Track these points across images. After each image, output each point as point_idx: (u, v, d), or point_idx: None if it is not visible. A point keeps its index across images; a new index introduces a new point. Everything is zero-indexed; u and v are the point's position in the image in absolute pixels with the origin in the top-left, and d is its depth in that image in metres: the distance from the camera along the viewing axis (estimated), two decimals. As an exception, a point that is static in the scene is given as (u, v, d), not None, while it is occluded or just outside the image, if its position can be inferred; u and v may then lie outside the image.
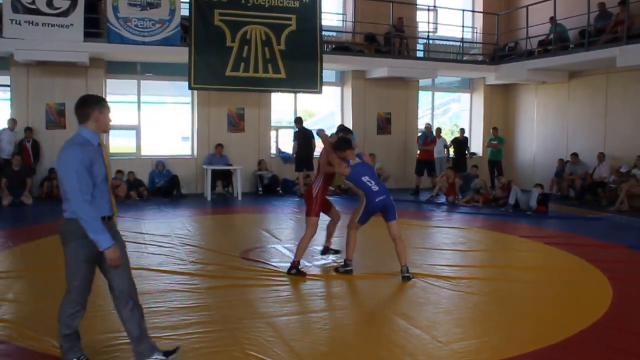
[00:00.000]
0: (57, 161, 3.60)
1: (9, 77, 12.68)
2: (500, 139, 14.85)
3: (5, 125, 12.41)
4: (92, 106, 3.64)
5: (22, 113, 12.64)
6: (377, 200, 6.20)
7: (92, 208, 3.49)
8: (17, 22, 11.45)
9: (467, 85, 17.43)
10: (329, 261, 7.06)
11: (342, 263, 6.57)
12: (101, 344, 4.28)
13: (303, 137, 13.40)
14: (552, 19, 13.80)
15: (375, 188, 6.21)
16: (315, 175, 6.79)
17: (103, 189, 3.63)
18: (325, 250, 7.17)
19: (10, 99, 12.72)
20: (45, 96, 12.82)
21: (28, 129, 12.40)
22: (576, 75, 14.48)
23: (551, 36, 13.93)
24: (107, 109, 3.73)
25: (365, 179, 6.24)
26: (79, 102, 3.69)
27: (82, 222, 3.47)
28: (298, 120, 13.74)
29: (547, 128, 15.52)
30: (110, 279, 3.70)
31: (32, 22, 11.54)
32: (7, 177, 11.60)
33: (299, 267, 6.48)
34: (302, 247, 6.48)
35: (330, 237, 7.13)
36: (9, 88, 12.74)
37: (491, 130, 15.08)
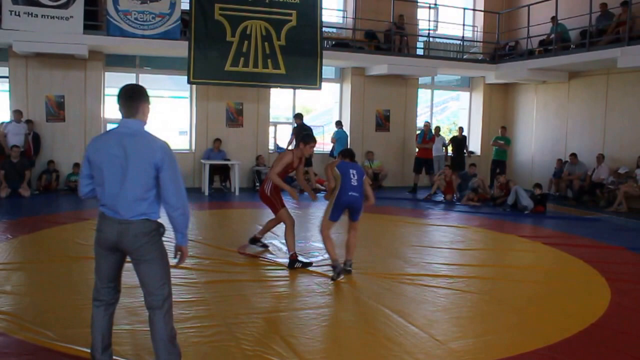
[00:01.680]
0: (156, 153, 3.32)
1: (7, 69, 12.61)
2: (507, 139, 14.80)
3: (10, 118, 12.29)
4: (146, 99, 3.46)
5: (22, 105, 12.56)
6: (349, 193, 6.17)
7: None
8: (17, 13, 11.38)
9: (467, 84, 17.41)
10: (325, 257, 7.05)
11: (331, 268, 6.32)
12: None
13: (300, 133, 13.31)
14: (554, 19, 13.78)
15: (354, 183, 6.23)
16: (266, 178, 7.02)
17: None
18: (254, 241, 7.45)
19: (9, 91, 12.65)
20: (44, 88, 12.76)
21: (29, 122, 12.34)
22: (576, 76, 14.48)
23: (552, 36, 13.90)
24: None
25: (352, 171, 6.28)
26: (131, 93, 3.44)
27: (184, 217, 3.45)
28: (298, 116, 13.70)
29: (547, 128, 15.51)
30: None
31: (32, 13, 11.47)
32: (5, 169, 11.55)
33: (299, 257, 6.62)
34: (290, 239, 6.66)
35: (265, 232, 7.43)
36: (7, 79, 12.66)
37: (500, 129, 15.06)
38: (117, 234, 3.37)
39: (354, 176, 6.24)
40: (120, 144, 3.34)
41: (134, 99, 3.41)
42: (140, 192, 3.33)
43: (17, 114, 12.21)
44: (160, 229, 3.48)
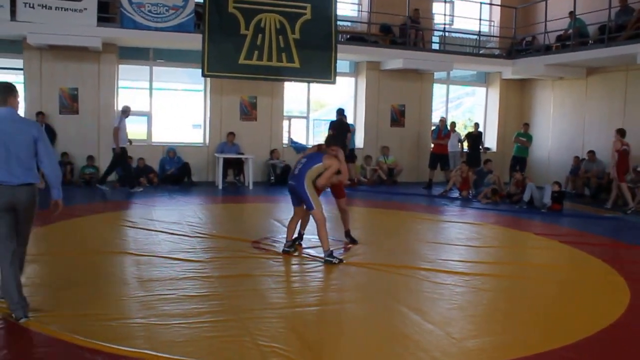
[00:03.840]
0: (33, 130, 4.38)
1: (22, 61, 12.65)
2: (529, 136, 14.62)
3: (121, 113, 12.09)
4: (13, 93, 4.45)
5: (35, 97, 12.61)
6: (289, 182, 6.82)
7: None
8: (31, 5, 11.40)
9: (483, 79, 17.25)
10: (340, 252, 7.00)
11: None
12: (114, 330, 4.24)
13: (339, 128, 13.10)
14: (572, 14, 13.59)
15: (295, 172, 6.70)
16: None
17: None
18: (299, 237, 7.33)
19: (24, 83, 12.69)
20: (58, 81, 12.79)
21: (40, 114, 12.36)
22: (594, 72, 14.27)
23: (570, 31, 13.71)
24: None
25: (302, 161, 6.74)
26: (1, 88, 4.43)
27: (58, 179, 4.51)
28: (339, 112, 13.45)
29: (563, 125, 15.31)
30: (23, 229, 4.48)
31: (45, 5, 11.49)
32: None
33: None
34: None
35: (304, 226, 7.37)
36: (22, 72, 12.70)
37: (522, 126, 14.89)
38: (13, 197, 4.26)
39: (299, 165, 6.71)
40: None
41: (3, 93, 4.39)
42: (27, 162, 4.30)
43: (129, 109, 12.07)
44: (37, 191, 4.44)
